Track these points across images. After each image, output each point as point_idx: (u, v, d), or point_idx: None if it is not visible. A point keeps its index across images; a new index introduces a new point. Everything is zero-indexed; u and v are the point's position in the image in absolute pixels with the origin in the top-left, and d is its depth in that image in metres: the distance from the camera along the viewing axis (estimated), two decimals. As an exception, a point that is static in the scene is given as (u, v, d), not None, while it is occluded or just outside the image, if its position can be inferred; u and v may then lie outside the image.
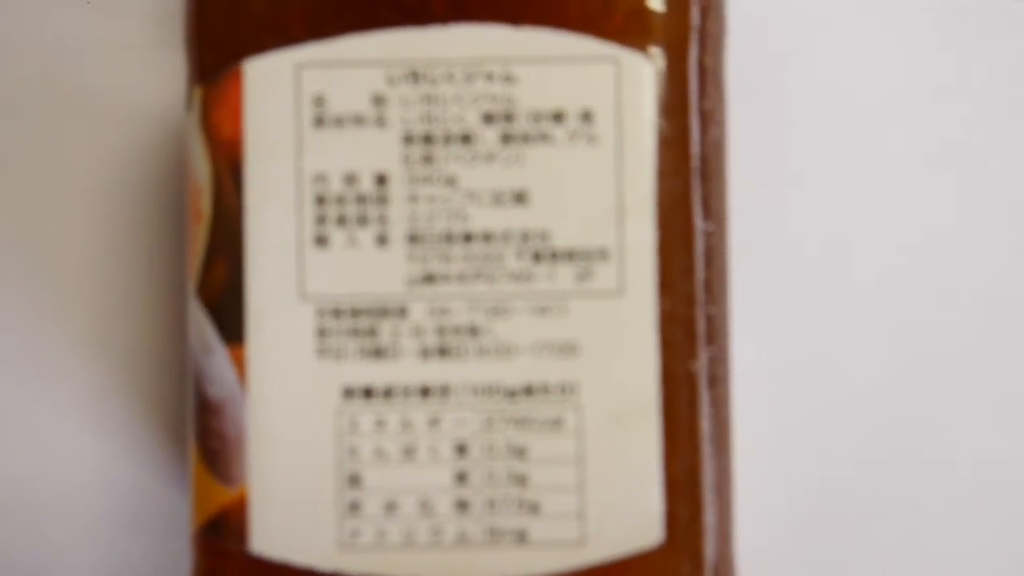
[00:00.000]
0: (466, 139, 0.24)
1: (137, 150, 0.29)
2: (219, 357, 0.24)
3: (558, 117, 0.24)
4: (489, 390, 0.24)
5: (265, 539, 0.24)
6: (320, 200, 0.24)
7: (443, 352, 0.24)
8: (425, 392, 0.24)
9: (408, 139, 0.24)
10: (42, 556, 0.29)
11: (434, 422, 0.24)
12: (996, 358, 0.29)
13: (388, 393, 0.24)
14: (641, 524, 0.24)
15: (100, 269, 0.29)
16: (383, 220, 0.24)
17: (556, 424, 0.24)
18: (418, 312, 0.24)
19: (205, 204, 0.24)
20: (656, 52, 0.24)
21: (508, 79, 0.24)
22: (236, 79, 0.24)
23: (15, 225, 0.29)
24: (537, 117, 0.24)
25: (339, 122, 0.24)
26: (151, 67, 0.29)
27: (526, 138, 0.24)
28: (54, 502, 0.29)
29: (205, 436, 0.24)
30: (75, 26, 0.29)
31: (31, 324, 0.29)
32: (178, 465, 0.29)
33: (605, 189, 0.24)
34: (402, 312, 0.24)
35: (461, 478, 0.24)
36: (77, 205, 0.29)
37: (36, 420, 0.29)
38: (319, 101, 0.24)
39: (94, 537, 0.29)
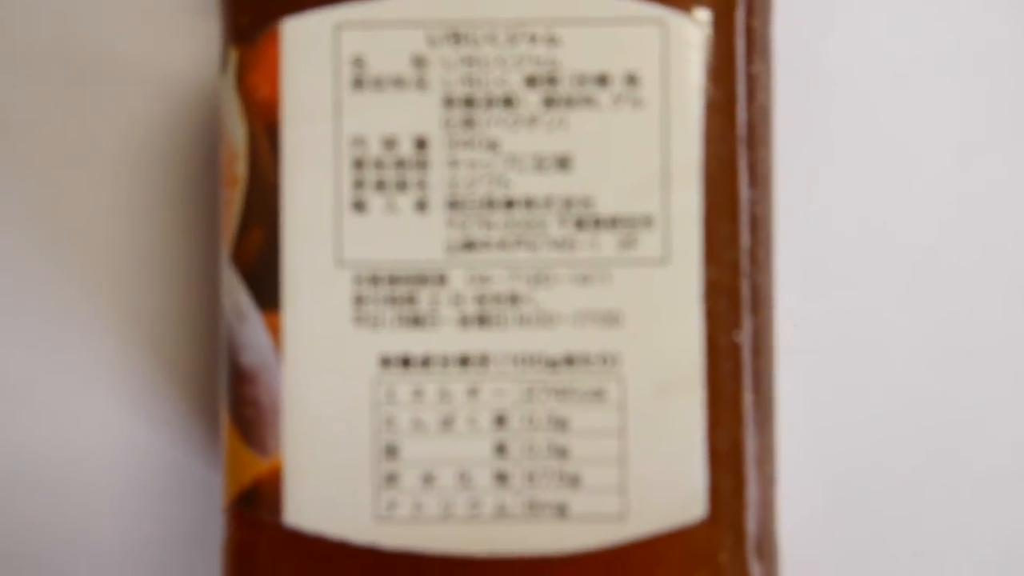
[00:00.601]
0: (508, 102, 0.23)
1: (167, 115, 0.29)
2: (254, 324, 0.24)
3: (602, 80, 0.23)
4: (529, 360, 0.24)
5: (300, 510, 0.24)
6: (358, 164, 0.24)
7: (483, 321, 0.24)
8: (464, 361, 0.24)
9: (449, 102, 0.24)
10: (69, 526, 0.29)
11: (473, 392, 0.24)
12: None
13: (426, 362, 0.24)
14: (683, 498, 0.23)
15: (131, 236, 0.29)
16: (422, 185, 0.24)
17: (598, 395, 0.23)
18: (457, 280, 0.24)
19: (240, 168, 0.24)
20: (702, 15, 0.24)
21: (552, 41, 0.23)
22: (273, 40, 0.24)
23: (45, 191, 0.29)
24: (581, 80, 0.23)
25: (378, 84, 0.23)
26: (182, 31, 0.29)
27: (569, 102, 0.23)
28: (82, 472, 0.29)
29: (239, 405, 0.24)
30: None
31: (60, 292, 0.29)
32: (208, 436, 0.29)
33: (650, 155, 0.23)
34: (441, 279, 0.24)
35: (500, 450, 0.24)
36: (108, 171, 0.29)
37: (64, 389, 0.29)
38: (358, 62, 0.23)
39: (122, 508, 0.29)
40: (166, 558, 0.29)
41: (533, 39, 0.23)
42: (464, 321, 0.24)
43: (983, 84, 0.29)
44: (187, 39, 0.29)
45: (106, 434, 0.29)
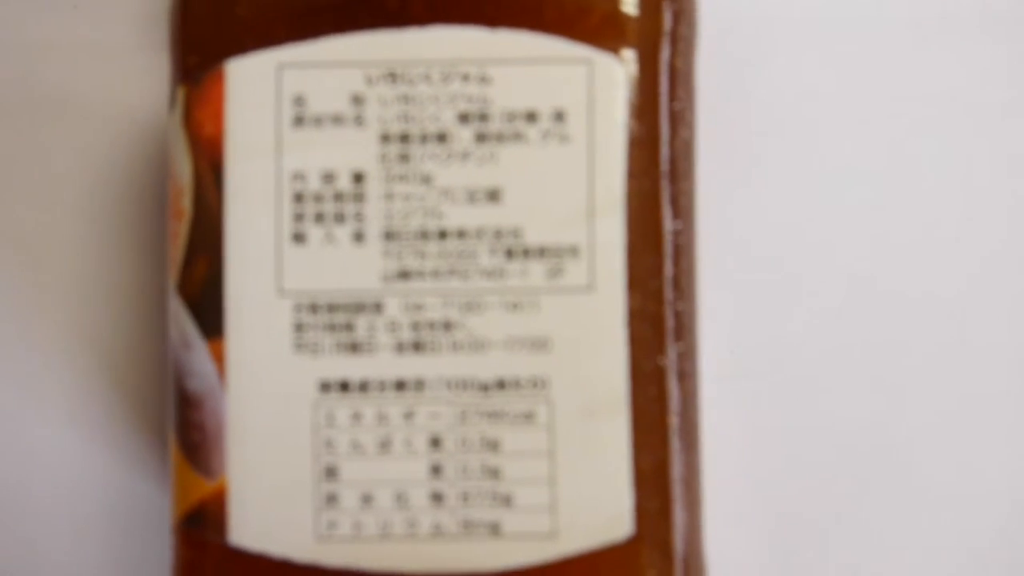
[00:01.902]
0: (442, 138, 0.24)
1: (119, 150, 0.30)
2: (199, 352, 0.25)
3: (531, 117, 0.24)
4: (463, 384, 0.24)
5: (244, 530, 0.24)
6: (298, 198, 0.24)
7: (418, 347, 0.24)
8: (400, 386, 0.24)
9: (385, 138, 0.24)
10: (23, 552, 0.29)
11: (409, 415, 0.24)
12: (960, 360, 0.30)
13: (364, 387, 0.24)
14: (611, 517, 0.24)
15: (82, 266, 0.30)
16: (360, 217, 0.24)
17: (528, 418, 0.24)
18: (393, 307, 0.24)
19: (186, 202, 0.25)
20: (628, 55, 0.24)
21: (483, 79, 0.24)
22: (219, 79, 0.24)
23: (0, 221, 0.30)
24: (511, 117, 0.24)
25: (318, 121, 0.24)
26: (134, 69, 0.30)
27: (500, 137, 0.24)
28: (35, 499, 0.29)
29: (185, 429, 0.25)
30: (60, 29, 0.30)
31: (12, 320, 0.29)
32: (158, 460, 0.29)
33: (577, 188, 0.24)
34: (378, 307, 0.24)
35: (436, 471, 0.24)
36: (60, 203, 0.30)
37: (17, 417, 0.29)
38: (299, 101, 0.24)
39: (75, 533, 0.29)
40: (122, 573, 0.29)
41: (466, 78, 0.24)
42: (400, 347, 0.24)
43: (906, 113, 0.30)
44: (141, 77, 0.30)
45: (59, 460, 0.29)
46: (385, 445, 0.24)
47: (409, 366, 0.24)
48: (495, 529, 0.24)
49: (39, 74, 0.30)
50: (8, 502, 0.29)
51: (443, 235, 0.24)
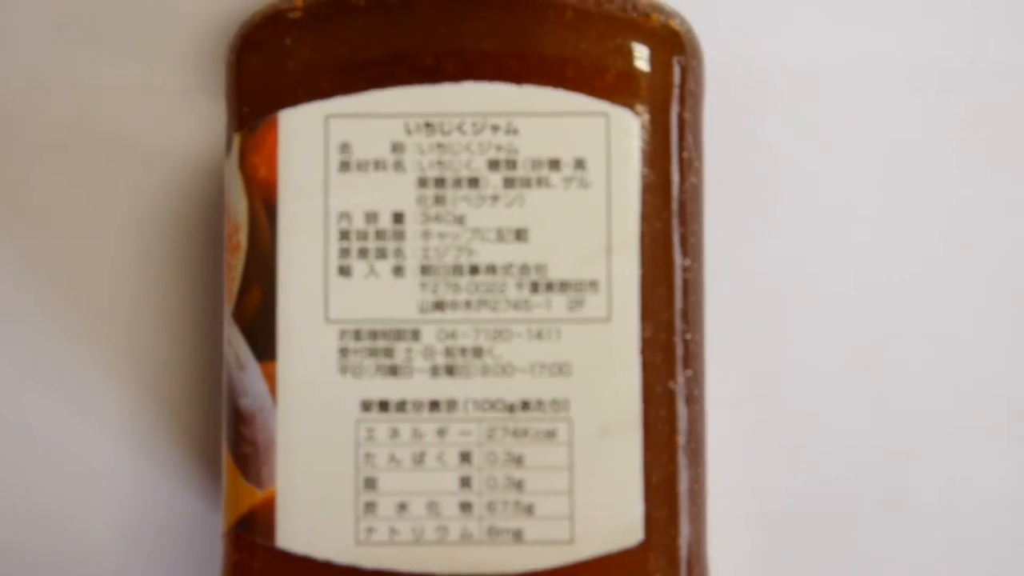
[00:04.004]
0: (474, 182, 0.26)
1: (172, 188, 0.30)
2: (252, 373, 0.26)
3: (555, 164, 0.26)
4: (491, 405, 0.26)
5: (290, 535, 0.25)
6: (344, 235, 0.26)
7: (451, 371, 0.26)
8: (434, 406, 0.26)
9: (423, 182, 0.26)
10: (74, 565, 0.30)
11: (442, 432, 0.26)
12: (956, 386, 0.30)
13: (401, 406, 0.26)
14: (623, 525, 0.25)
15: (142, 296, 0.30)
16: (399, 253, 0.26)
17: (550, 436, 0.25)
18: (429, 335, 0.26)
19: (242, 237, 0.26)
20: (642, 108, 0.26)
21: (511, 130, 0.26)
22: (272, 127, 0.26)
23: (59, 255, 0.30)
24: (536, 164, 0.26)
25: (362, 166, 0.26)
26: (186, 112, 0.30)
27: (526, 182, 0.26)
28: (88, 513, 0.30)
29: (238, 443, 0.26)
30: (115, 73, 0.31)
31: (72, 344, 0.30)
32: (204, 475, 0.30)
33: (596, 228, 0.25)
34: (415, 335, 0.26)
35: (465, 482, 0.25)
36: (113, 237, 0.30)
37: (75, 436, 0.30)
38: (345, 148, 0.26)
39: (126, 547, 0.30)
40: None
41: (495, 128, 0.26)
42: (435, 371, 0.26)
43: (900, 156, 0.31)
44: (193, 118, 0.30)
45: (112, 473, 0.30)
46: (419, 459, 0.26)
47: (443, 388, 0.26)
48: (518, 536, 0.25)
49: (95, 116, 0.30)
50: (66, 516, 0.30)
51: (475, 270, 0.26)
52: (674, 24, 0.26)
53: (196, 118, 0.30)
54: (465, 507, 0.26)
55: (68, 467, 0.30)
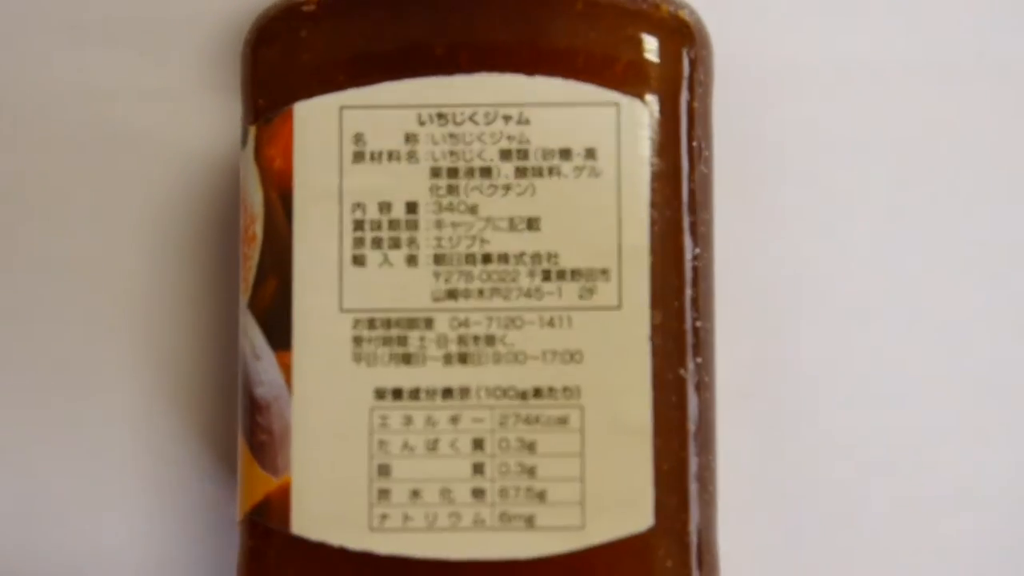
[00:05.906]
0: (486, 172, 0.26)
1: (186, 182, 0.31)
2: (268, 362, 0.26)
3: (566, 154, 0.26)
4: (503, 392, 0.26)
5: (305, 522, 0.26)
6: (358, 225, 0.26)
7: (463, 359, 0.26)
8: (447, 393, 0.26)
9: (435, 172, 0.26)
10: (92, 554, 0.30)
11: (455, 420, 0.26)
12: (960, 379, 0.31)
13: (415, 394, 0.26)
14: (634, 511, 0.26)
15: (158, 286, 0.31)
16: (412, 243, 0.26)
17: (561, 422, 0.26)
18: (442, 323, 0.26)
19: (258, 228, 0.26)
20: (651, 98, 0.26)
21: (523, 120, 0.26)
22: (287, 119, 0.26)
23: (77, 251, 0.31)
24: (548, 154, 0.26)
25: (375, 157, 0.26)
26: (199, 108, 0.31)
27: (538, 172, 0.26)
28: (105, 502, 0.31)
29: (254, 431, 0.26)
30: (131, 71, 0.31)
31: (87, 337, 0.31)
32: (219, 462, 0.31)
33: (606, 217, 0.26)
34: (428, 323, 0.26)
35: (478, 469, 0.26)
36: (128, 231, 0.31)
37: (89, 428, 0.31)
38: (359, 139, 0.26)
39: (142, 533, 0.30)
40: (186, 568, 0.31)
41: (507, 119, 0.26)
42: (448, 359, 0.26)
43: (906, 151, 0.31)
44: (207, 114, 0.31)
45: (128, 462, 0.31)
46: (433, 446, 0.26)
47: (455, 376, 0.26)
48: (530, 521, 0.26)
49: (110, 113, 0.31)
50: (88, 503, 0.31)
51: (487, 259, 0.26)
52: (683, 15, 0.27)
53: (209, 114, 0.31)
54: (478, 493, 0.26)
55: (84, 457, 0.31)
